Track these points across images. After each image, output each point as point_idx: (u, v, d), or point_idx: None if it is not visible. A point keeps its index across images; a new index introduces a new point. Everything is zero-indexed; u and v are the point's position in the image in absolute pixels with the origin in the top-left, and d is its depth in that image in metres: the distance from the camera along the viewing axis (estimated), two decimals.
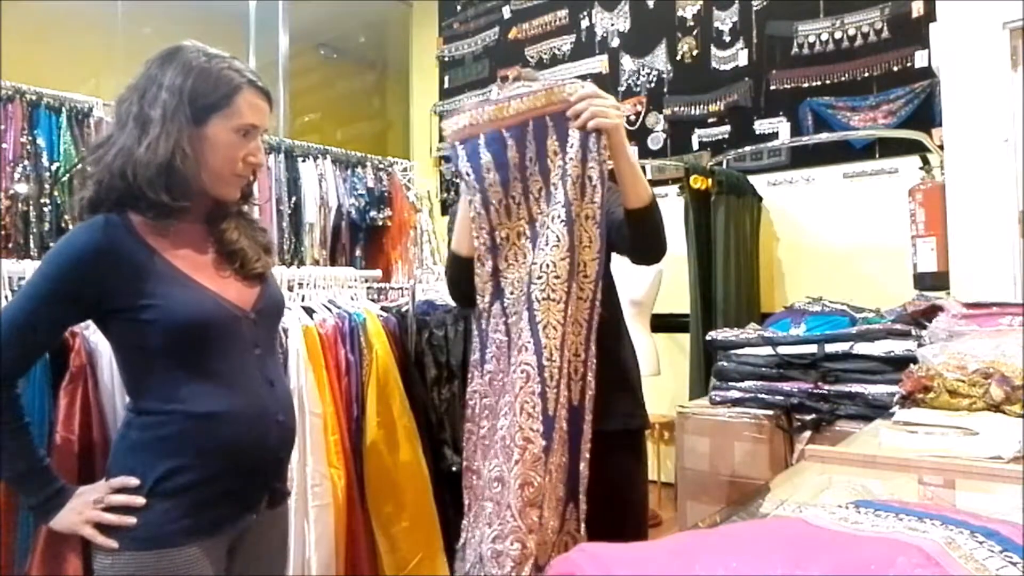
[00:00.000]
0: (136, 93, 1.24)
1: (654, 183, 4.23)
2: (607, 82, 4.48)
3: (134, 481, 1.18)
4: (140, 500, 1.17)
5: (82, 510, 1.18)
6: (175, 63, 1.23)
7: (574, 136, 1.40)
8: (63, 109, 2.75)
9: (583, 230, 1.41)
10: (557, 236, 1.37)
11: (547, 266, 1.36)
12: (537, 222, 1.45)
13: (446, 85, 5.37)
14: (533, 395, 1.32)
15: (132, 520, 1.16)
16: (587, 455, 1.42)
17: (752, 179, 3.76)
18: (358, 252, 3.76)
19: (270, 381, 1.31)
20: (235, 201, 1.35)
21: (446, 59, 5.35)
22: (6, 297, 1.62)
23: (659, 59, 4.27)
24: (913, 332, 2.11)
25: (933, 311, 1.96)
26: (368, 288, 2.46)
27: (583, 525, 1.41)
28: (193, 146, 1.21)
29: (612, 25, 4.48)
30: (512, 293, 1.45)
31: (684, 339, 3.67)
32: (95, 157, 1.24)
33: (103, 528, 1.17)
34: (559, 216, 1.39)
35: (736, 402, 2.38)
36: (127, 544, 1.16)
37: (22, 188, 2.64)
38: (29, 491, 1.22)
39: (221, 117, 1.24)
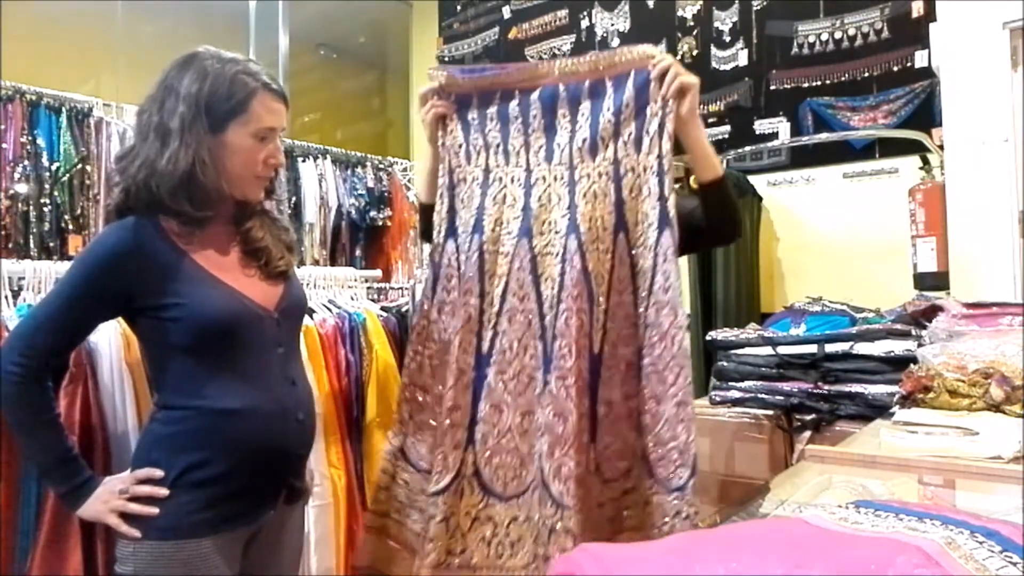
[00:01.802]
0: (155, 104, 1.27)
1: None
2: None
3: (158, 473, 1.22)
4: (163, 491, 1.21)
5: (108, 499, 1.22)
6: (191, 71, 1.25)
7: (628, 95, 1.43)
8: (63, 109, 2.75)
9: (640, 182, 1.43)
10: (604, 191, 1.44)
11: (597, 219, 1.42)
12: (533, 173, 1.51)
13: None
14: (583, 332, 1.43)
15: (155, 510, 1.20)
16: (611, 398, 1.44)
17: (752, 179, 3.75)
18: (358, 252, 3.77)
19: (291, 380, 1.35)
20: (260, 200, 1.38)
21: (446, 59, 5.34)
22: (6, 297, 1.63)
23: None
24: (913, 332, 2.10)
25: (933, 311, 1.96)
26: (368, 288, 2.46)
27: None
28: (213, 154, 1.24)
29: (612, 25, 4.48)
30: (464, 232, 1.53)
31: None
32: (120, 167, 1.28)
33: (127, 517, 1.21)
34: (606, 172, 1.44)
35: (736, 402, 2.38)
36: (148, 534, 1.20)
37: (22, 188, 2.65)
38: (58, 480, 1.26)
39: (238, 123, 1.26)
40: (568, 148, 1.48)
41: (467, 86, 1.56)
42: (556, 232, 1.45)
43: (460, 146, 1.56)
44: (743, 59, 3.94)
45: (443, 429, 1.46)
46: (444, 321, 1.54)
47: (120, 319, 1.42)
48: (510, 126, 1.52)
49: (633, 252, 1.42)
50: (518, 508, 1.44)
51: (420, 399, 1.56)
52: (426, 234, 1.64)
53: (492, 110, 1.54)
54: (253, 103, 1.26)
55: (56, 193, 2.71)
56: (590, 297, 1.42)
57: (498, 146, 1.53)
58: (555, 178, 1.49)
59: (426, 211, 1.62)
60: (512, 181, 1.51)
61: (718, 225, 1.54)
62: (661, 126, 1.41)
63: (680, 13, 4.17)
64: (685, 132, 1.44)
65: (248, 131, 1.27)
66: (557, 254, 1.44)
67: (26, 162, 2.65)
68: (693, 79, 1.39)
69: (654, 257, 1.39)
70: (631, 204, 1.42)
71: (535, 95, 1.51)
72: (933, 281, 2.64)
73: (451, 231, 1.54)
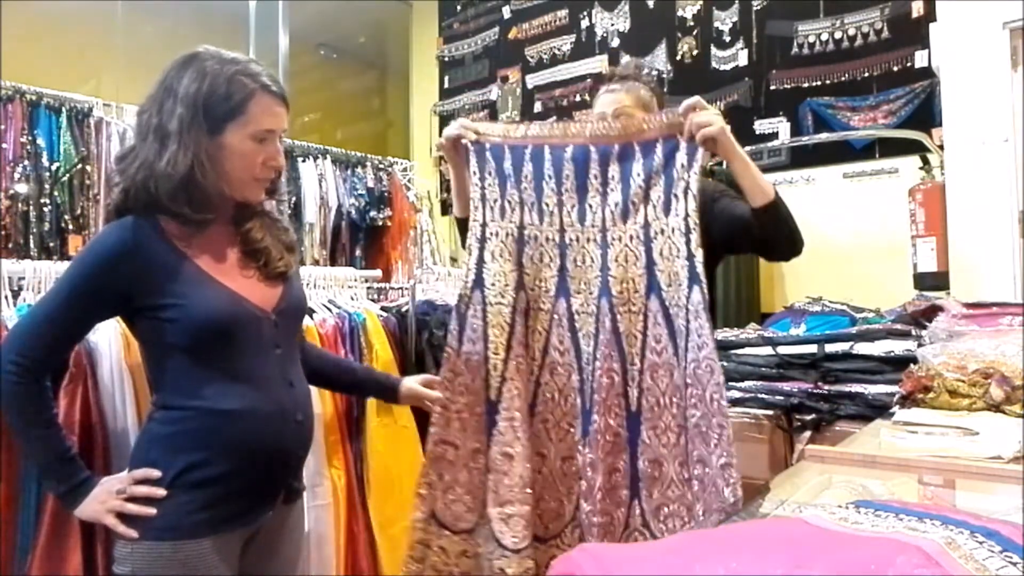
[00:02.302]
0: (155, 104, 1.25)
1: None
2: (607, 83, 4.47)
3: (156, 473, 1.22)
4: (161, 492, 1.20)
5: (105, 499, 1.21)
6: (190, 71, 1.24)
7: (657, 162, 1.49)
8: (63, 109, 2.76)
9: (670, 243, 1.47)
10: (636, 253, 1.48)
11: (628, 281, 1.48)
12: (567, 233, 1.55)
13: (446, 85, 5.37)
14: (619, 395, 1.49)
15: (152, 511, 1.20)
16: (655, 456, 1.47)
17: None
18: (358, 252, 3.78)
19: (290, 381, 1.34)
20: (260, 201, 1.37)
21: (446, 59, 5.35)
22: (6, 297, 1.63)
23: (659, 59, 4.26)
24: (913, 332, 2.10)
25: (933, 311, 1.96)
26: (368, 288, 2.46)
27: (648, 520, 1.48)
28: (211, 156, 1.23)
29: (612, 25, 4.48)
30: (494, 285, 1.53)
31: None
32: (120, 168, 1.28)
33: (125, 518, 1.20)
34: (637, 235, 1.48)
35: (736, 402, 2.38)
36: (146, 534, 1.20)
37: (22, 188, 2.65)
38: (56, 480, 1.26)
39: (237, 125, 1.25)
40: (600, 211, 1.52)
41: (498, 139, 1.58)
42: (591, 293, 1.52)
43: (496, 200, 1.57)
44: (743, 59, 3.94)
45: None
46: (470, 374, 1.55)
47: (119, 319, 1.42)
48: (544, 185, 1.55)
49: (670, 312, 1.45)
50: (556, 547, 1.51)
51: (451, 457, 1.54)
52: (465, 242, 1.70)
53: (528, 168, 1.56)
54: (251, 105, 1.24)
55: (56, 193, 2.71)
56: (621, 357, 1.48)
57: (532, 204, 1.56)
58: (588, 239, 1.53)
59: (461, 224, 1.68)
60: (547, 241, 1.55)
61: (772, 244, 1.62)
62: (687, 188, 1.45)
63: (680, 13, 4.17)
64: (731, 166, 1.52)
65: (246, 133, 1.25)
66: (592, 313, 1.51)
67: (26, 162, 2.66)
68: (716, 127, 1.42)
69: (686, 315, 1.42)
70: (663, 265, 1.46)
71: (568, 153, 1.53)
72: (933, 281, 2.64)
73: (478, 282, 1.55)
